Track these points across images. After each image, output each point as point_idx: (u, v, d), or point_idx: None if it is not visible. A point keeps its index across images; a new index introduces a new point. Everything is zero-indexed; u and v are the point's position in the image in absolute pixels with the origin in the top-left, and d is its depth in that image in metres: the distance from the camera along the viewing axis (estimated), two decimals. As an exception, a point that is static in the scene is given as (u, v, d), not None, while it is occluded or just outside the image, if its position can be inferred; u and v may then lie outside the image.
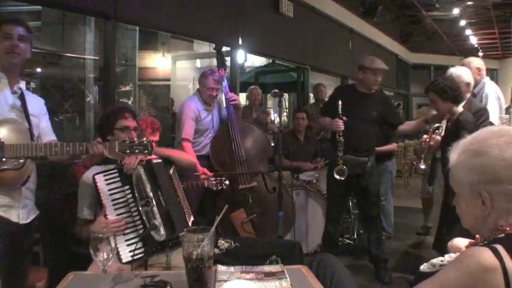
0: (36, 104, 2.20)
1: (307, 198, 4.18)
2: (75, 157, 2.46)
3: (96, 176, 2.04)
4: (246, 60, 8.04)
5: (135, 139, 1.98)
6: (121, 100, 6.30)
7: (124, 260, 1.93)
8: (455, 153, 1.17)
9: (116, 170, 2.09)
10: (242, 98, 7.11)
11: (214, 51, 3.77)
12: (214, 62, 4.05)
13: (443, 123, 3.28)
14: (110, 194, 2.04)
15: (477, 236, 1.20)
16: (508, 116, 4.08)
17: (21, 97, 2.09)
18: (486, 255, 0.99)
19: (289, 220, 3.47)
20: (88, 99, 5.43)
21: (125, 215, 2.04)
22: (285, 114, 8.08)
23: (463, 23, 9.53)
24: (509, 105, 4.31)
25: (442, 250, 2.00)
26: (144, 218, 2.02)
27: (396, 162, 5.35)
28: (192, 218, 2.30)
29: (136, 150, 1.94)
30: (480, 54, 12.43)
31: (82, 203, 2.14)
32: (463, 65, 3.61)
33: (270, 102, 10.73)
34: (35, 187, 2.16)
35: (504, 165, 1.06)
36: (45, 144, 1.94)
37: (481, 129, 1.17)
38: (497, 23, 9.81)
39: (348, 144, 3.38)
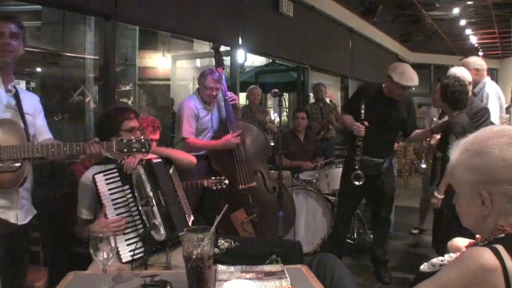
0: (31, 102, 2.15)
1: (307, 198, 4.17)
2: (73, 156, 2.44)
3: (96, 176, 2.04)
4: (246, 60, 8.04)
5: (133, 137, 1.95)
6: (121, 100, 6.29)
7: (124, 260, 1.93)
8: (456, 153, 1.16)
9: (115, 170, 2.09)
10: (242, 98, 7.12)
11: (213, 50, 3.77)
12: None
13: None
14: (110, 194, 2.04)
15: (477, 236, 1.20)
16: (508, 115, 4.09)
17: (16, 96, 2.04)
18: (486, 256, 0.99)
19: (289, 220, 3.47)
20: (88, 99, 5.43)
21: (124, 215, 2.03)
22: (285, 113, 8.07)
23: (463, 22, 9.52)
24: (509, 105, 4.31)
25: (441, 249, 2.01)
26: (144, 217, 2.02)
27: (396, 162, 5.34)
28: (192, 218, 2.30)
29: (134, 149, 1.91)
30: (480, 53, 12.42)
31: (82, 203, 2.14)
32: (462, 65, 3.61)
33: (270, 101, 10.73)
34: (31, 187, 2.13)
35: (505, 165, 1.06)
36: (42, 145, 1.91)
37: (482, 129, 1.17)
38: (497, 23, 9.79)
39: (366, 147, 3.32)
